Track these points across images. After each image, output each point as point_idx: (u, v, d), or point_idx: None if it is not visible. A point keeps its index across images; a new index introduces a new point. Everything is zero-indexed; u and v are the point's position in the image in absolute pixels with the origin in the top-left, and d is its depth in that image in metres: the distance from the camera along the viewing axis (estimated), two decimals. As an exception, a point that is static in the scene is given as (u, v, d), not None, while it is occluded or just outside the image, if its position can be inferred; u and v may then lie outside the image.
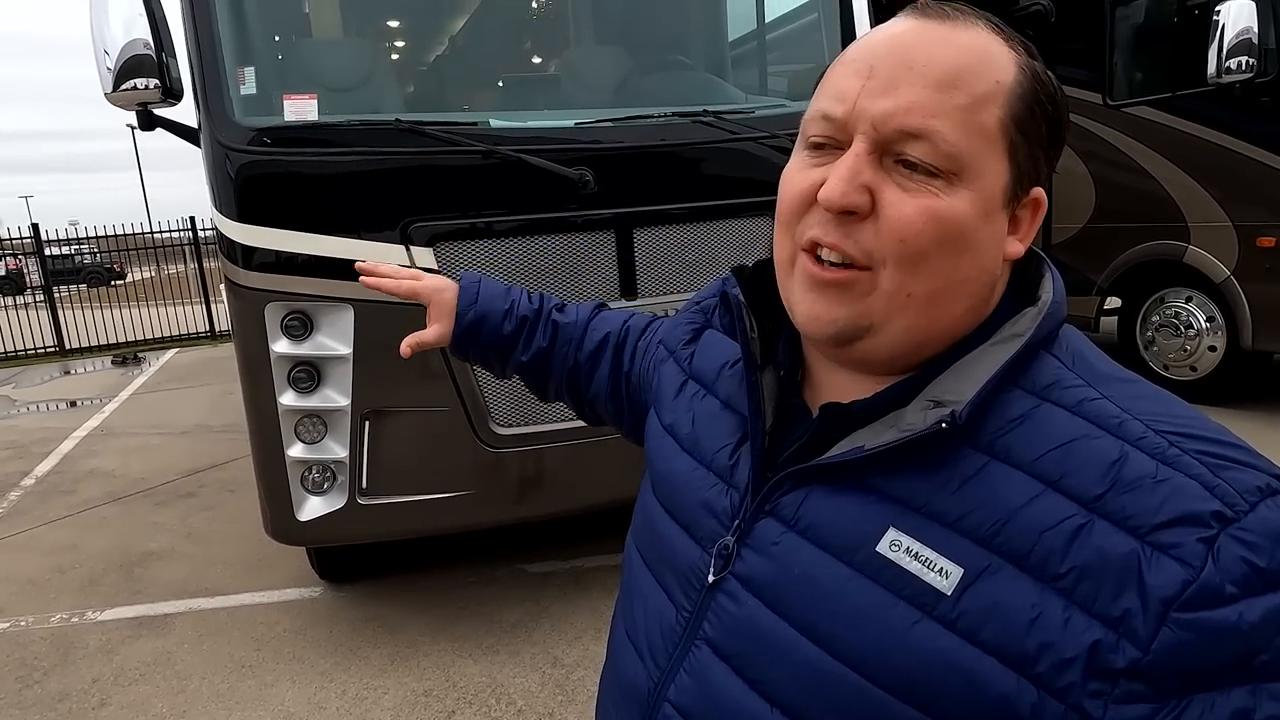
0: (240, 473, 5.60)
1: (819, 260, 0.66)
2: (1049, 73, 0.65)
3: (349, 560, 3.85)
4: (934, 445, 0.62)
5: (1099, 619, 0.54)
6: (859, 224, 0.63)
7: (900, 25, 0.65)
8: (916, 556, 0.61)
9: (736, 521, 0.72)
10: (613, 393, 1.13)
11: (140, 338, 12.96)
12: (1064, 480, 0.58)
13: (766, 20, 4.14)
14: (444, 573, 3.88)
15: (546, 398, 1.25)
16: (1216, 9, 4.81)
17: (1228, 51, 4.73)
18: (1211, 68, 4.81)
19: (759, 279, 0.79)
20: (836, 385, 0.72)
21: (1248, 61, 4.73)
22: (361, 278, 1.22)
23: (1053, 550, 0.56)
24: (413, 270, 1.24)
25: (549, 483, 3.21)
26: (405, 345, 1.18)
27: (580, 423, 3.36)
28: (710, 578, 0.72)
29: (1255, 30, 4.70)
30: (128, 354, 11.95)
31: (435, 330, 1.19)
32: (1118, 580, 0.54)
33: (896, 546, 0.62)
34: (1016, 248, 0.67)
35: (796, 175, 0.68)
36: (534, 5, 4.13)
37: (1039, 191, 0.66)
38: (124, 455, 6.42)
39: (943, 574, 0.60)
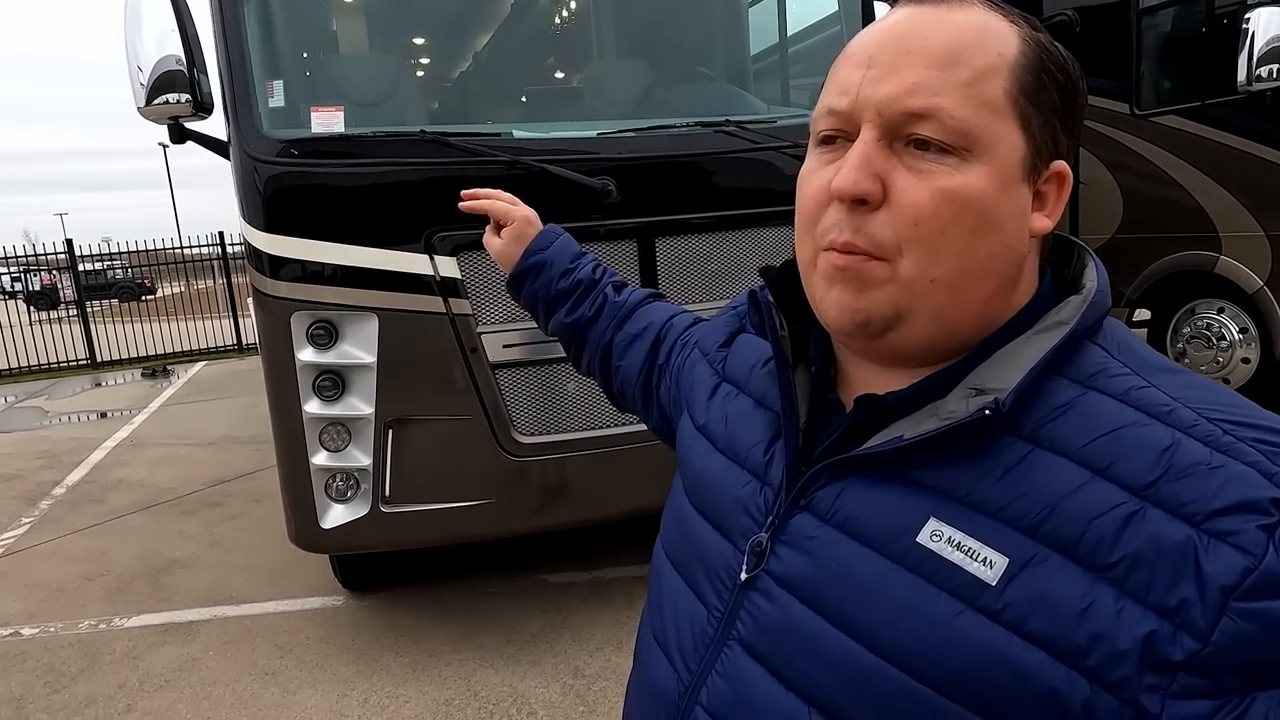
0: (265, 483, 5.65)
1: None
2: (1056, 43, 0.64)
3: (371, 569, 3.86)
4: (976, 434, 0.60)
5: (1154, 609, 0.52)
6: (871, 214, 0.62)
7: (896, 14, 0.65)
8: (959, 546, 0.59)
9: (770, 518, 0.71)
10: (644, 382, 1.13)
11: (169, 351, 13.18)
12: (1113, 467, 0.56)
13: (788, 33, 4.15)
14: (465, 582, 3.88)
15: (580, 368, 1.28)
16: (1246, 17, 4.74)
17: (1258, 59, 4.66)
18: (1242, 76, 4.74)
19: (787, 278, 0.78)
20: (870, 380, 0.70)
21: (1278, 69, 4.66)
22: (461, 204, 1.32)
23: (1103, 538, 0.54)
24: (510, 196, 1.32)
25: (571, 492, 3.20)
26: (467, 203, 1.31)
27: (603, 431, 3.38)
28: (743, 575, 0.71)
29: (1286, 38, 4.63)
30: (157, 367, 12.15)
31: (501, 244, 1.28)
32: (1173, 569, 0.52)
33: (938, 537, 0.60)
34: (1043, 223, 0.65)
35: (812, 175, 0.68)
36: (557, 20, 4.17)
37: (1061, 165, 0.65)
38: (152, 465, 6.51)
39: (987, 564, 0.58)
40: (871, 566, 0.62)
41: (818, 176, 0.66)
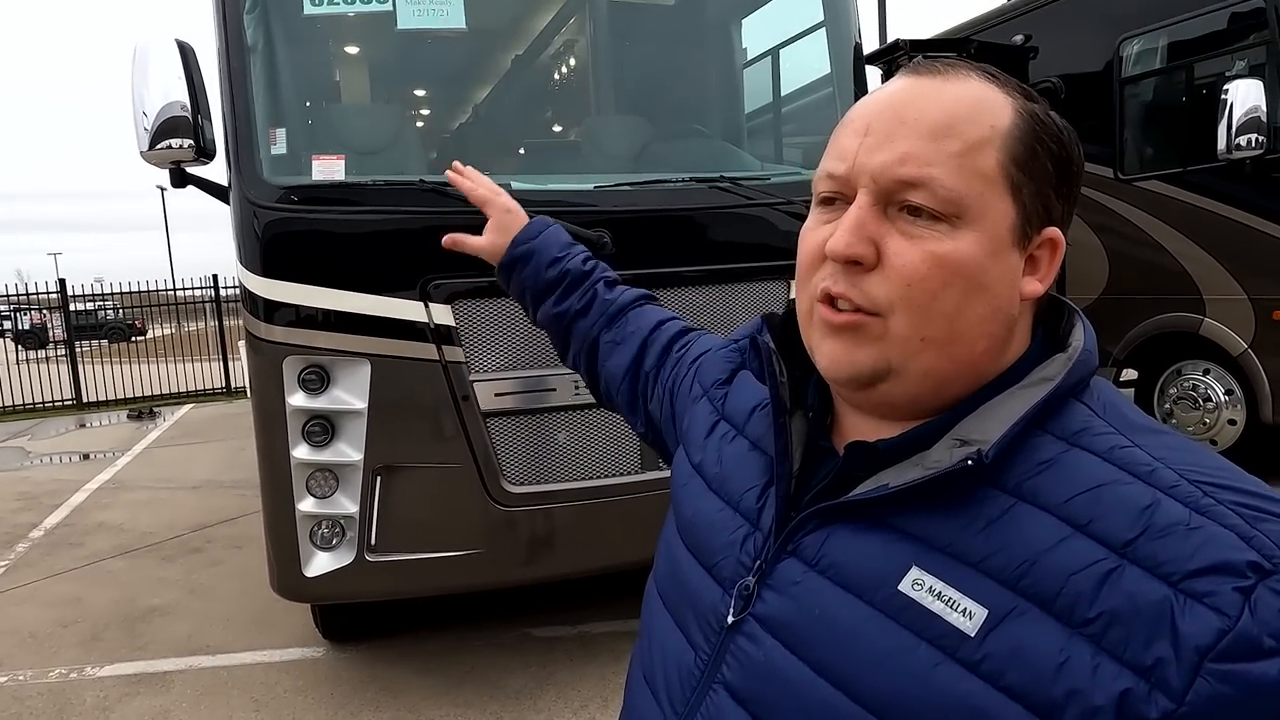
0: (248, 528, 5.57)
1: (833, 305, 0.67)
2: (1052, 114, 0.67)
3: (353, 619, 3.79)
4: (959, 485, 0.62)
5: (1130, 667, 0.52)
6: (866, 274, 0.65)
7: (894, 84, 0.68)
8: (939, 596, 0.60)
9: (759, 562, 0.72)
10: (629, 387, 1.14)
11: (157, 393, 13.08)
12: (1093, 524, 0.57)
13: (782, 92, 4.25)
14: (449, 634, 3.80)
15: (565, 360, 1.28)
16: (1225, 87, 4.90)
17: (1237, 129, 4.80)
18: (1222, 144, 4.88)
19: (788, 325, 0.81)
20: (863, 429, 0.72)
21: (1257, 139, 4.79)
22: (448, 174, 1.37)
23: (1081, 594, 0.55)
24: (493, 185, 1.34)
25: (560, 543, 3.17)
26: (449, 239, 1.32)
27: (594, 482, 3.35)
28: (730, 619, 0.71)
29: (1264, 108, 4.78)
30: (143, 408, 12.04)
31: (482, 240, 1.30)
32: (1150, 627, 0.52)
33: (919, 586, 0.61)
34: (1035, 287, 0.67)
35: (810, 233, 0.71)
36: (556, 75, 4.27)
37: (1054, 231, 0.67)
38: (133, 509, 6.41)
39: (966, 614, 0.58)
40: (854, 614, 0.63)
41: (816, 234, 0.69)
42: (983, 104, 0.65)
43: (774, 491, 0.74)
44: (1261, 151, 4.83)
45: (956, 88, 0.65)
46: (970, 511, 0.61)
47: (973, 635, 0.57)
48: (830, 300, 0.67)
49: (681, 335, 1.12)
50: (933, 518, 0.62)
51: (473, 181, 1.33)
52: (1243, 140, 4.80)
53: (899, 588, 0.61)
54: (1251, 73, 5.05)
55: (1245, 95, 4.79)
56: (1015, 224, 0.65)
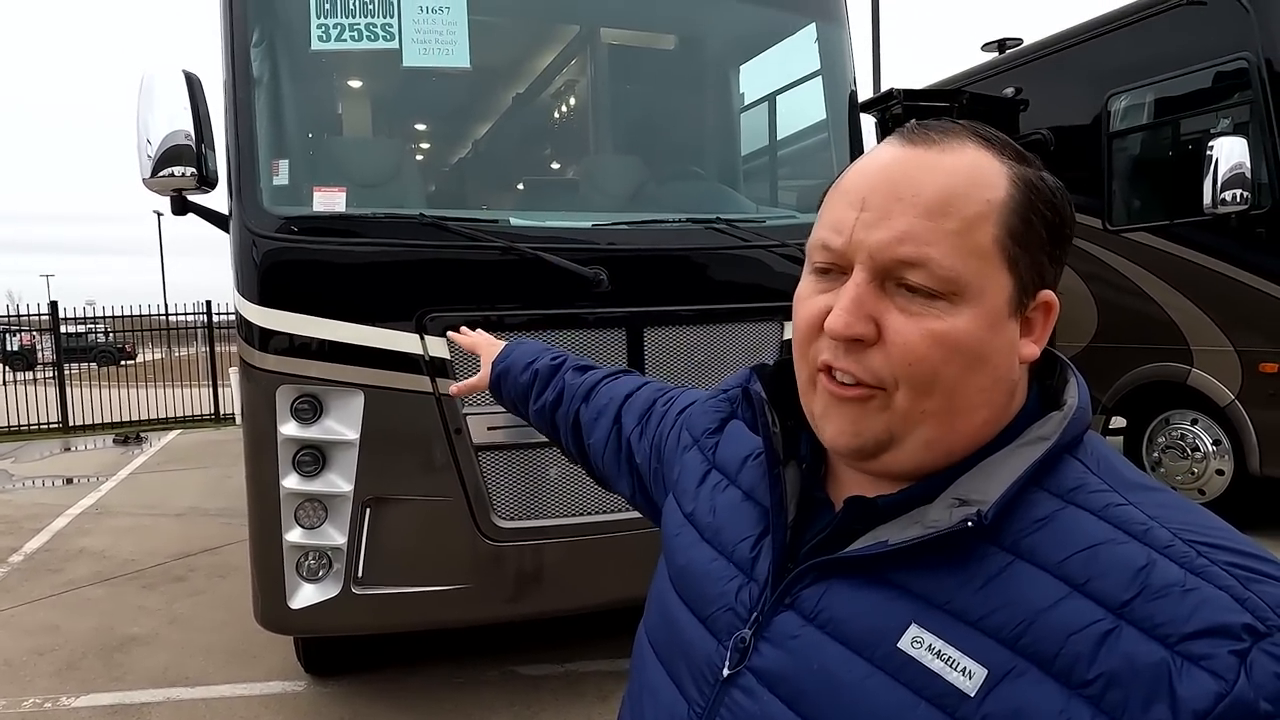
0: (232, 557, 5.50)
1: (834, 378, 0.67)
2: (1044, 174, 0.67)
3: (336, 653, 3.73)
4: (958, 543, 0.62)
5: None
6: (867, 350, 0.65)
7: (888, 154, 0.68)
8: (939, 655, 0.60)
9: (755, 614, 0.71)
10: (612, 456, 1.17)
11: (145, 417, 12.98)
12: (1090, 584, 0.57)
13: (778, 137, 4.33)
14: (432, 670, 3.74)
15: (563, 451, 1.36)
16: (1210, 144, 5.01)
17: (1222, 184, 4.90)
18: (1207, 199, 4.97)
19: (781, 376, 0.81)
20: (860, 481, 0.72)
21: (1242, 194, 4.89)
22: (449, 333, 1.79)
23: (1080, 655, 0.55)
24: (488, 337, 1.64)
25: (549, 579, 3.15)
26: (454, 389, 1.60)
27: (585, 518, 3.34)
28: (725, 671, 0.71)
29: (1248, 165, 4.89)
30: (130, 433, 11.95)
31: (479, 377, 1.54)
32: (1148, 690, 0.53)
33: (919, 644, 0.61)
34: (1031, 349, 0.68)
35: (806, 300, 0.70)
36: (556, 114, 4.34)
37: (1048, 294, 0.68)
38: (116, 535, 6.33)
39: (966, 674, 0.58)
40: (853, 670, 0.63)
41: (812, 304, 0.69)
42: (978, 176, 0.65)
43: (769, 542, 0.74)
44: (1246, 207, 4.93)
45: (952, 160, 0.65)
46: (969, 569, 0.61)
47: (972, 695, 0.57)
48: (830, 371, 0.68)
49: (662, 393, 1.14)
50: (932, 575, 0.63)
51: (470, 339, 1.65)
52: (1228, 195, 4.90)
53: (898, 645, 0.62)
54: (1236, 130, 5.17)
55: (1230, 152, 4.90)
56: (1012, 295, 0.65)
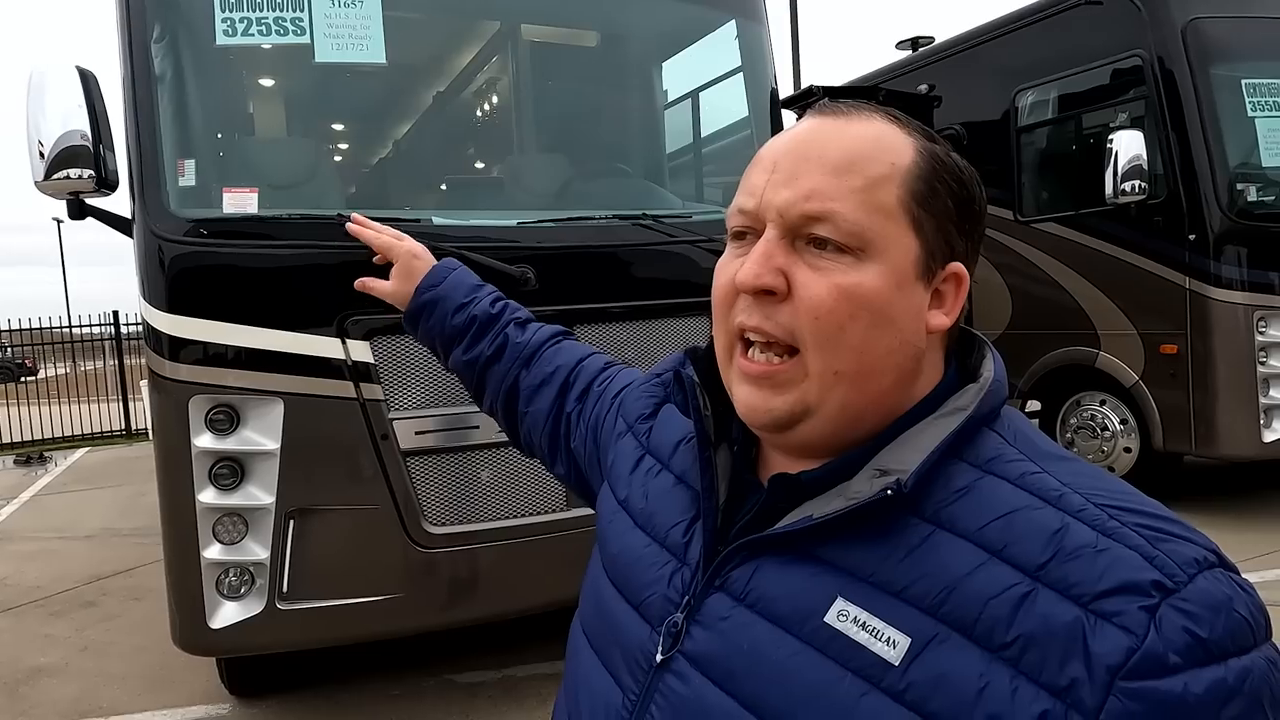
0: (148, 579, 5.24)
1: (748, 352, 0.69)
2: (954, 154, 0.70)
3: (262, 672, 3.59)
4: (881, 514, 0.63)
5: (1046, 689, 0.54)
6: (778, 305, 0.67)
7: (801, 125, 0.71)
8: (864, 626, 0.61)
9: (686, 598, 0.71)
10: (550, 430, 1.12)
11: (49, 436, 12.28)
12: (1007, 549, 0.59)
13: (702, 134, 4.36)
14: (365, 684, 3.64)
15: (481, 407, 1.25)
16: (1110, 137, 5.26)
17: (1122, 175, 5.16)
18: (1109, 189, 5.22)
19: (712, 359, 0.80)
20: (788, 463, 0.73)
21: (1140, 185, 5.16)
22: (349, 225, 1.37)
23: (998, 619, 0.56)
24: (395, 232, 1.33)
25: (483, 585, 3.09)
26: (359, 282, 1.32)
27: (518, 521, 3.30)
28: (658, 657, 0.71)
29: (1145, 157, 5.15)
30: (32, 453, 11.28)
31: (389, 286, 1.29)
32: (1063, 649, 0.54)
33: (844, 616, 0.62)
34: (941, 320, 0.70)
35: (724, 267, 0.72)
36: (478, 112, 4.27)
37: (957, 266, 0.70)
38: (19, 561, 5.96)
39: (890, 644, 0.59)
40: (781, 647, 0.63)
41: (729, 268, 0.71)
42: (883, 142, 0.68)
43: (700, 526, 0.74)
44: (1144, 196, 5.19)
45: (859, 127, 0.68)
46: (892, 540, 0.63)
47: (896, 664, 0.58)
48: (746, 344, 0.69)
49: (603, 370, 1.12)
50: (856, 548, 0.63)
51: (374, 230, 1.33)
52: (1127, 186, 5.16)
53: (825, 619, 0.62)
54: (1133, 124, 5.44)
55: (1128, 145, 5.16)
56: (918, 258, 0.67)
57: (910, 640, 0.59)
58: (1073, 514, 0.59)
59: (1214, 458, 5.58)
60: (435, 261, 1.28)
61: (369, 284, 1.31)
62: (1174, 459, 5.73)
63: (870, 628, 0.60)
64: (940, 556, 0.60)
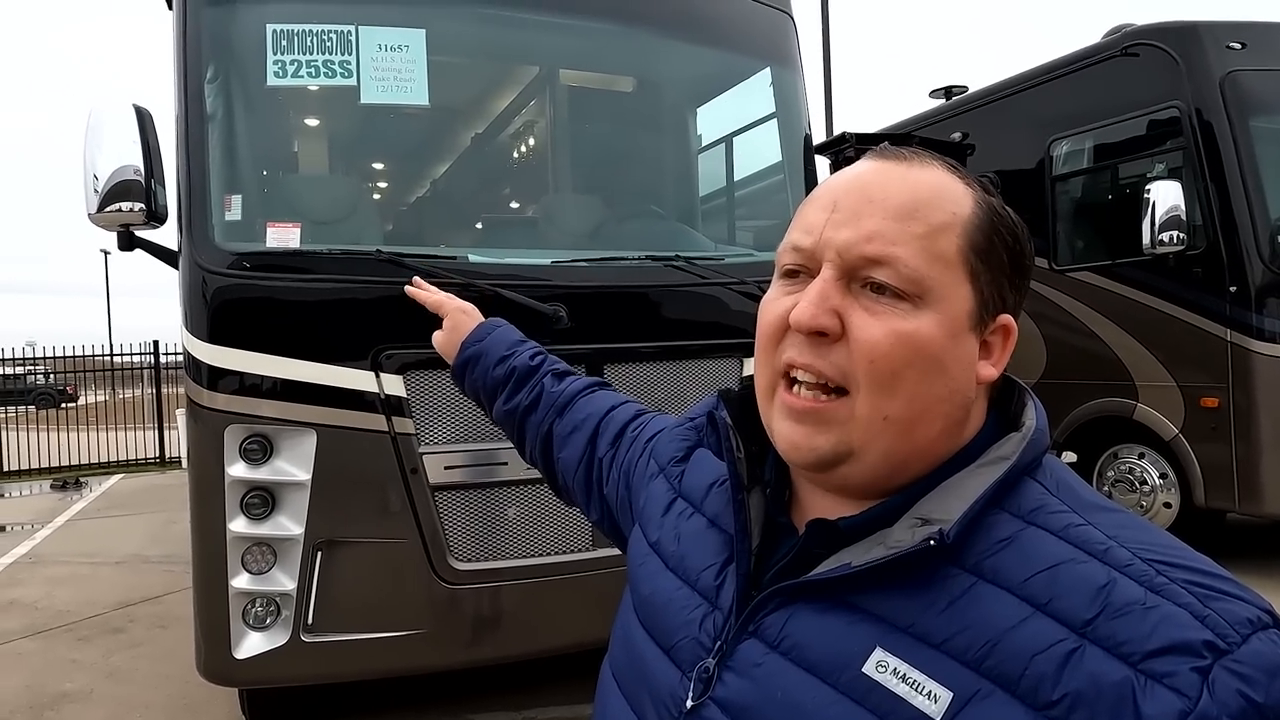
0: (175, 606, 5.27)
1: (793, 387, 0.68)
2: (1008, 208, 0.70)
3: (283, 705, 3.57)
4: (921, 564, 0.62)
5: None
6: (831, 345, 0.66)
7: (861, 166, 0.71)
8: (904, 679, 0.59)
9: (719, 643, 0.70)
10: (584, 476, 1.12)
11: (85, 461, 12.50)
12: (1053, 603, 0.57)
13: (735, 177, 4.40)
14: (386, 722, 3.61)
15: (524, 456, 1.28)
16: (1147, 188, 5.22)
17: (1160, 226, 5.10)
18: (1146, 240, 5.16)
19: (745, 401, 0.81)
20: (823, 506, 0.72)
21: (1178, 236, 5.09)
22: (407, 289, 1.45)
23: (1044, 676, 0.55)
24: (449, 295, 1.42)
25: (507, 623, 3.07)
26: (410, 286, 1.43)
27: (544, 559, 3.28)
28: (689, 703, 0.69)
29: (1183, 208, 5.10)
30: (68, 478, 11.48)
31: (440, 337, 1.37)
32: (1112, 709, 0.53)
33: (884, 667, 0.60)
34: (989, 371, 0.70)
35: (772, 303, 0.71)
36: (515, 153, 4.35)
37: (1007, 318, 0.70)
38: (50, 585, 6.03)
39: (932, 698, 0.58)
40: (817, 697, 0.62)
41: (778, 305, 0.70)
42: (945, 191, 0.68)
43: (733, 570, 0.73)
44: (1183, 247, 5.13)
45: (921, 173, 0.68)
46: (932, 591, 0.61)
47: (938, 719, 0.57)
48: (790, 381, 0.68)
49: (636, 418, 1.12)
50: (895, 597, 0.62)
51: (429, 292, 1.43)
52: (1165, 236, 5.09)
53: (863, 670, 0.61)
54: (1170, 174, 5.40)
55: (1166, 195, 5.11)
56: (973, 309, 0.67)
57: (952, 695, 0.57)
58: (1119, 569, 0.58)
59: (1258, 516, 5.40)
60: (482, 319, 1.35)
61: (418, 291, 1.41)
62: (1217, 516, 5.56)
63: (911, 680, 0.59)
64: (983, 609, 0.59)
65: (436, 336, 1.37)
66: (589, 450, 1.12)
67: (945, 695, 0.57)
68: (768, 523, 0.75)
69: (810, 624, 0.65)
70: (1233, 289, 5.09)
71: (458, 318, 1.34)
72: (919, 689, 0.58)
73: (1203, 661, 0.52)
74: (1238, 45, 5.33)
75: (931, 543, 0.60)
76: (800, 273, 0.70)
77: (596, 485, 1.10)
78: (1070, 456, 6.37)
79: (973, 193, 0.69)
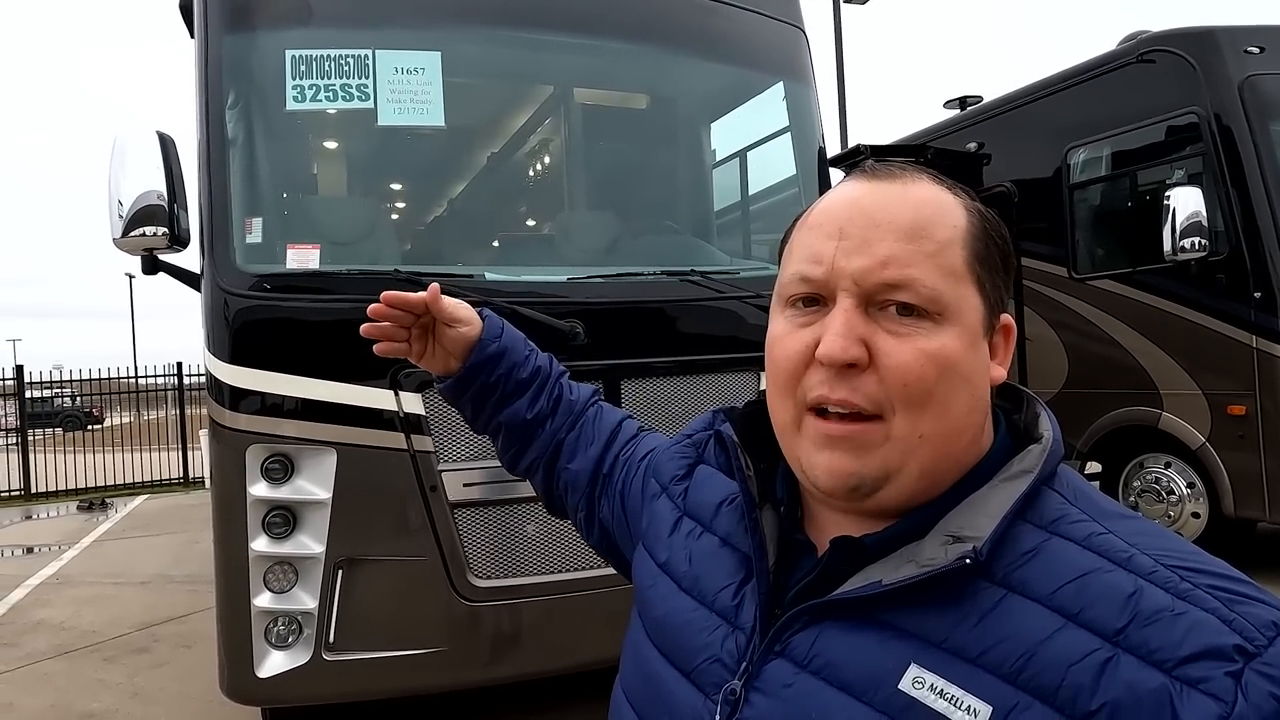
0: (199, 626, 5.31)
1: (823, 415, 0.67)
2: (987, 208, 0.72)
3: (306, 725, 3.58)
4: (951, 579, 0.62)
5: None
6: (860, 375, 0.65)
7: (855, 188, 0.70)
8: (942, 694, 0.59)
9: (744, 664, 0.69)
10: (588, 492, 1.09)
11: (111, 483, 12.65)
12: (1084, 613, 0.58)
13: (750, 191, 4.41)
14: (408, 741, 3.60)
15: (516, 468, 1.17)
16: (1167, 194, 5.17)
17: (1181, 232, 5.05)
18: (1167, 246, 5.11)
19: (748, 418, 0.81)
20: (840, 520, 0.71)
21: (1200, 242, 5.03)
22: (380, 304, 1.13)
23: (1081, 686, 0.55)
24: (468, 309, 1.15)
25: (528, 640, 3.06)
26: (434, 295, 1.09)
27: (564, 576, 3.27)
28: None
29: (1204, 214, 5.04)
30: (95, 499, 11.63)
31: (418, 350, 1.14)
32: (1152, 716, 0.53)
33: (920, 684, 0.60)
34: (999, 372, 0.70)
35: (785, 338, 0.69)
36: (531, 171, 4.39)
37: (1007, 318, 0.71)
38: (77, 605, 6.10)
39: (971, 712, 0.58)
40: (854, 715, 0.62)
41: (793, 339, 0.69)
42: (943, 205, 0.68)
43: (751, 589, 0.72)
44: (1205, 254, 5.07)
45: (917, 190, 0.68)
46: (963, 605, 0.61)
47: None
48: (819, 410, 0.67)
49: (633, 437, 1.10)
50: (925, 613, 0.62)
51: (450, 303, 1.14)
52: (1186, 243, 5.04)
53: (899, 687, 0.61)
54: (1190, 180, 5.34)
55: (1186, 202, 5.06)
56: (983, 316, 0.68)
57: (992, 709, 0.57)
58: (1144, 576, 0.59)
59: (1290, 525, 5.30)
60: (480, 320, 1.15)
61: (450, 312, 1.12)
62: (1246, 525, 5.46)
63: (949, 695, 0.59)
64: (1015, 621, 0.59)
65: (465, 332, 1.12)
66: (598, 465, 1.09)
67: (985, 709, 0.57)
68: (782, 540, 0.74)
69: (841, 642, 0.65)
70: (1257, 294, 5.02)
71: (453, 328, 1.11)
72: (958, 704, 0.58)
73: (1234, 666, 0.53)
74: (1255, 49, 5.28)
75: (967, 561, 0.60)
76: (811, 303, 0.69)
77: (596, 503, 1.08)
78: (1095, 467, 6.28)
79: (963, 201, 0.70)
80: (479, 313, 1.16)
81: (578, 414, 1.15)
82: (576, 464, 1.11)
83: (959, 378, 0.65)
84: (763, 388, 3.47)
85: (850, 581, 0.66)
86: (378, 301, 1.07)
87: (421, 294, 1.11)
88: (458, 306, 1.13)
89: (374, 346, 1.17)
